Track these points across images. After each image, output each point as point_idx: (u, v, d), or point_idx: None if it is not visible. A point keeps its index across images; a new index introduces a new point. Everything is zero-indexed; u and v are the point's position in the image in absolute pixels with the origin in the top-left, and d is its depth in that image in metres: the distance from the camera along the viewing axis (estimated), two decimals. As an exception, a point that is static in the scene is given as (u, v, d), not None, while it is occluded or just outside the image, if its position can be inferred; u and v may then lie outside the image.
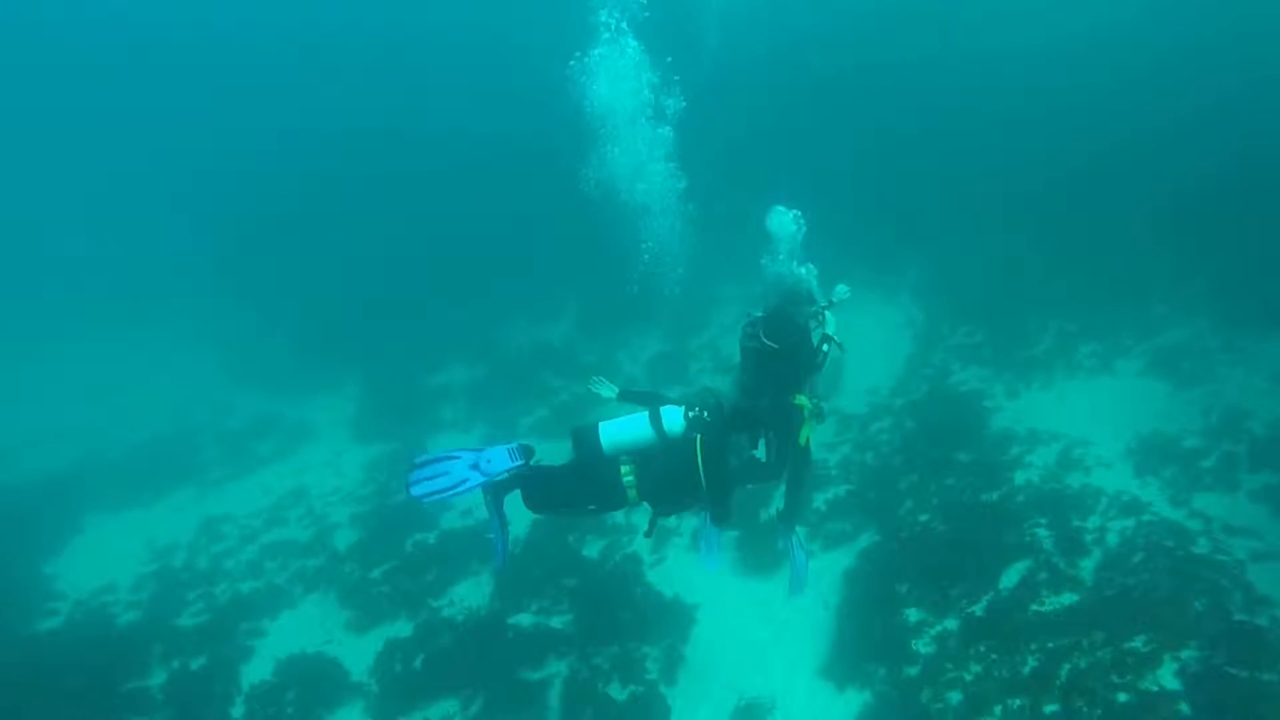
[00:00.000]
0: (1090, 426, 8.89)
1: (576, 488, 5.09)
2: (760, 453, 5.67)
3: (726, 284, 13.88)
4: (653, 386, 6.55)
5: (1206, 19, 12.23)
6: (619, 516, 10.42)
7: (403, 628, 9.86)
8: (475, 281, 18.51)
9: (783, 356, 6.37)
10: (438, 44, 26.43)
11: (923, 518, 8.58)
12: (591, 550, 10.08)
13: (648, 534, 5.81)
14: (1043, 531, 7.77)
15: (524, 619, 9.38)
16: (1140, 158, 11.79)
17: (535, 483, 5.13)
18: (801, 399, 6.65)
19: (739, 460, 5.36)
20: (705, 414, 5.22)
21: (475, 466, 4.85)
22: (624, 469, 4.98)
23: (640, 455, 5.09)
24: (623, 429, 5.16)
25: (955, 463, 9.11)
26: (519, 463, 4.89)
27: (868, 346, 11.64)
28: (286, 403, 16.99)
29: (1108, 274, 10.94)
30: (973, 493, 8.58)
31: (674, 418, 5.15)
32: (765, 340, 6.36)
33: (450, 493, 4.82)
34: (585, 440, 5.13)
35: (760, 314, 6.51)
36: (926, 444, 9.64)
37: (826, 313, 6.54)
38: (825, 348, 6.42)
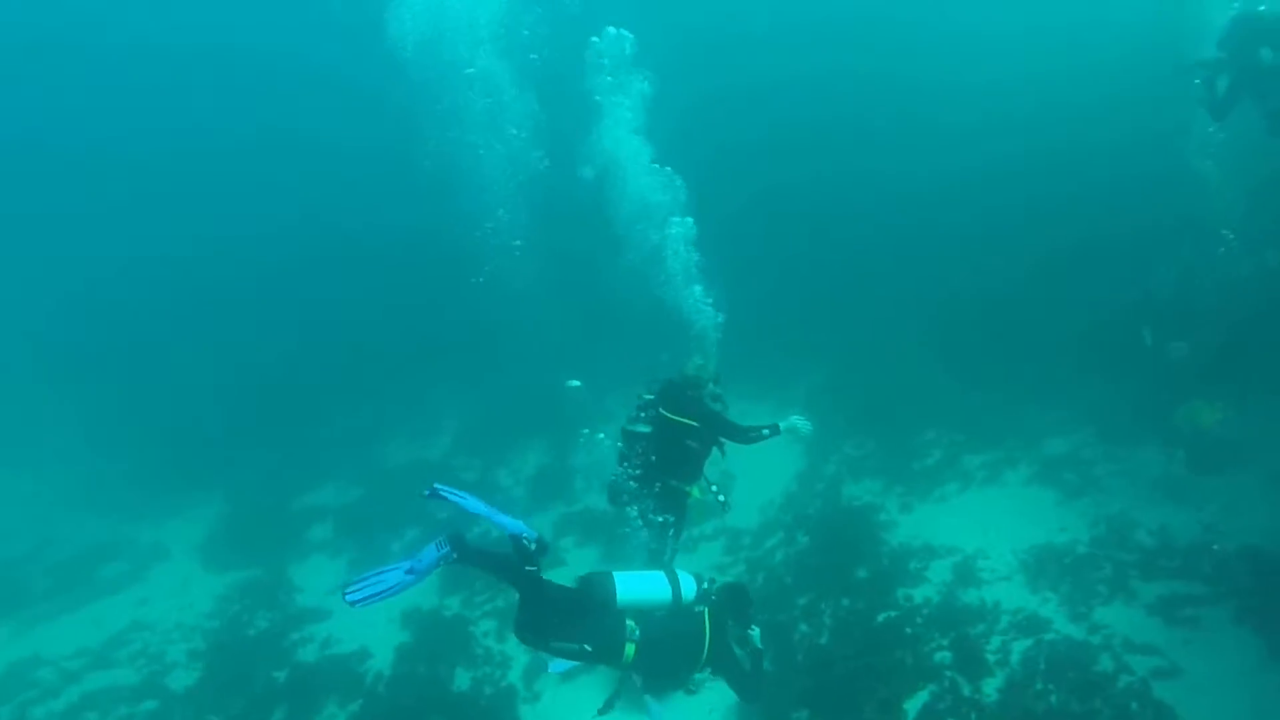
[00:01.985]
0: (984, 539, 8.66)
1: (576, 624, 4.81)
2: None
3: (613, 395, 13.48)
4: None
5: (1102, 160, 13.01)
6: (493, 642, 9.51)
7: (239, 787, 8.57)
8: (351, 397, 17.62)
9: (689, 434, 6.14)
10: (300, 144, 25.18)
11: (820, 641, 8.03)
12: (461, 682, 9.04)
13: (603, 711, 5.35)
14: (944, 654, 7.33)
15: (381, 771, 8.25)
16: (1023, 278, 12.31)
17: (531, 606, 4.87)
18: (694, 490, 6.35)
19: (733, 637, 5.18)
20: (713, 591, 5.12)
21: (410, 571, 4.82)
22: (629, 623, 4.76)
23: (645, 615, 4.88)
24: (640, 586, 4.95)
25: (851, 581, 8.68)
26: (445, 551, 4.81)
27: (759, 460, 11.28)
28: (136, 527, 15.33)
29: (992, 384, 11.14)
30: (870, 613, 8.12)
31: (689, 585, 5.01)
32: (666, 414, 6.11)
33: (389, 594, 4.81)
34: (598, 590, 4.89)
35: (653, 396, 6.28)
36: (820, 562, 9.20)
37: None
38: (766, 431, 6.36)
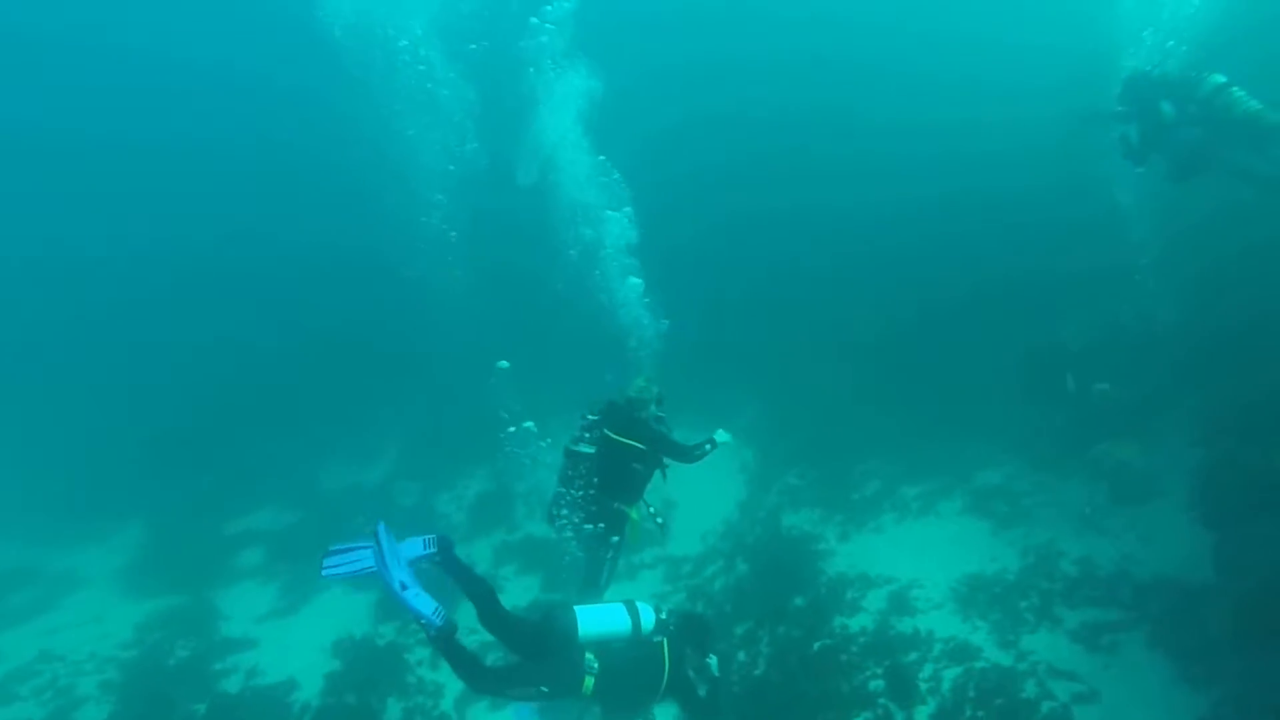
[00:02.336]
0: (919, 568, 8.85)
1: (530, 667, 4.86)
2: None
3: (555, 416, 13.52)
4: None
5: (1034, 201, 13.48)
6: (426, 671, 9.28)
7: (150, 832, 8.13)
8: (289, 416, 17.09)
9: (635, 456, 6.22)
10: (238, 152, 23.23)
11: (757, 671, 8.05)
12: (393, 712, 8.81)
13: None
14: (878, 682, 7.43)
15: (305, 810, 7.94)
16: (959, 313, 12.75)
17: (464, 672, 4.88)
18: (632, 512, 6.42)
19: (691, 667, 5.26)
20: (670, 621, 5.19)
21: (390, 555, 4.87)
22: (588, 656, 4.78)
23: (604, 647, 4.92)
24: (602, 620, 4.99)
25: (789, 609, 8.75)
26: (430, 550, 4.91)
27: (700, 488, 11.41)
28: (50, 553, 14.57)
29: (930, 417, 11.47)
30: (806, 641, 8.18)
31: (648, 616, 5.05)
32: (611, 435, 6.18)
33: (364, 575, 4.87)
34: (560, 624, 4.92)
35: (596, 416, 6.36)
36: (759, 590, 9.27)
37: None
38: (708, 446, 6.62)
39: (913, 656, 7.59)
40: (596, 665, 4.75)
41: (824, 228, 15.98)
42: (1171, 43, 8.68)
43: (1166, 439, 8.94)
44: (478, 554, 11.99)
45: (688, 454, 6.55)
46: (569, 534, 6.05)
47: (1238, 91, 7.36)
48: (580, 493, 6.18)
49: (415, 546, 4.94)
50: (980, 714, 6.67)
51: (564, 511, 6.21)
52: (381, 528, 4.83)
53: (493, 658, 8.75)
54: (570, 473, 6.30)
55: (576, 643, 4.84)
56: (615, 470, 6.31)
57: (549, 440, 6.79)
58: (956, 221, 14.07)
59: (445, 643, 4.76)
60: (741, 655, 8.36)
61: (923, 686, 7.19)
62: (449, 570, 5.00)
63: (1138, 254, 9.83)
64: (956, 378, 11.77)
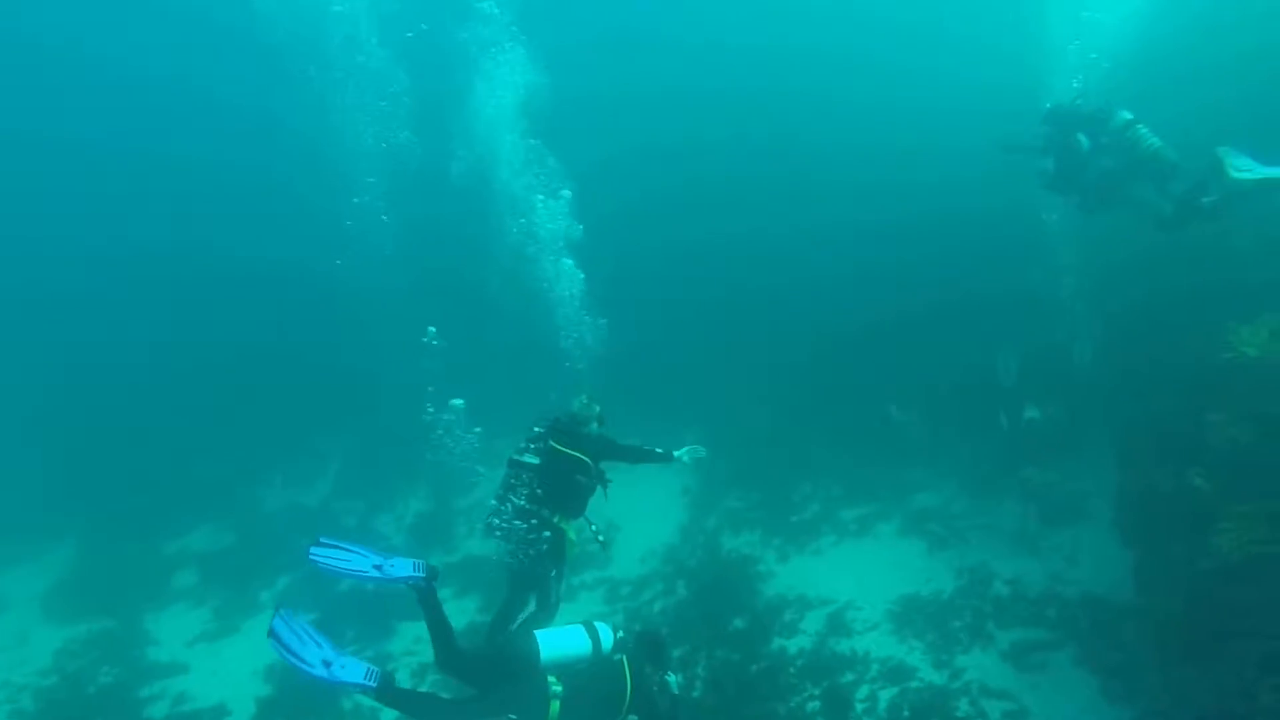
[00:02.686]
0: (856, 589, 8.98)
1: (495, 699, 4.84)
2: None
3: (502, 438, 13.46)
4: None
5: (975, 227, 13.57)
6: (361, 695, 9.05)
7: None
8: (227, 433, 16.65)
9: (579, 468, 6.27)
10: (156, 148, 21.46)
11: (694, 694, 8.04)
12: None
13: None
14: (815, 703, 7.48)
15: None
16: (899, 338, 12.96)
17: (428, 708, 5.05)
18: (570, 529, 6.47)
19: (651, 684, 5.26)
20: (629, 639, 5.26)
21: (378, 567, 4.88)
22: (550, 679, 4.79)
23: (566, 669, 4.93)
24: (563, 643, 5.05)
25: (727, 632, 8.78)
26: (420, 575, 4.90)
27: (641, 512, 11.51)
28: (-29, 575, 13.93)
29: (868, 442, 11.69)
30: (744, 664, 8.21)
31: (607, 635, 5.11)
32: (556, 446, 6.24)
33: (345, 575, 4.95)
34: (521, 651, 4.97)
35: (543, 428, 6.41)
36: (698, 612, 9.29)
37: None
38: (658, 450, 6.75)
39: (849, 677, 7.68)
40: (560, 688, 4.74)
41: (762, 253, 16.19)
42: (1094, 55, 9.15)
43: (1093, 463, 9.26)
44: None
45: (635, 454, 6.67)
46: (497, 524, 6.07)
47: (1142, 128, 7.78)
48: (522, 501, 6.20)
49: (405, 567, 4.90)
50: (916, 734, 6.78)
51: (494, 504, 6.24)
52: (278, 622, 4.65)
53: (431, 679, 8.69)
54: (514, 481, 6.33)
55: (538, 668, 4.85)
56: (558, 481, 6.35)
57: (480, 429, 6.75)
58: (895, 247, 14.39)
59: (390, 695, 4.74)
60: (679, 678, 8.34)
61: (859, 707, 7.26)
62: (423, 599, 4.96)
63: (1063, 278, 10.22)
64: (895, 402, 12.00)
